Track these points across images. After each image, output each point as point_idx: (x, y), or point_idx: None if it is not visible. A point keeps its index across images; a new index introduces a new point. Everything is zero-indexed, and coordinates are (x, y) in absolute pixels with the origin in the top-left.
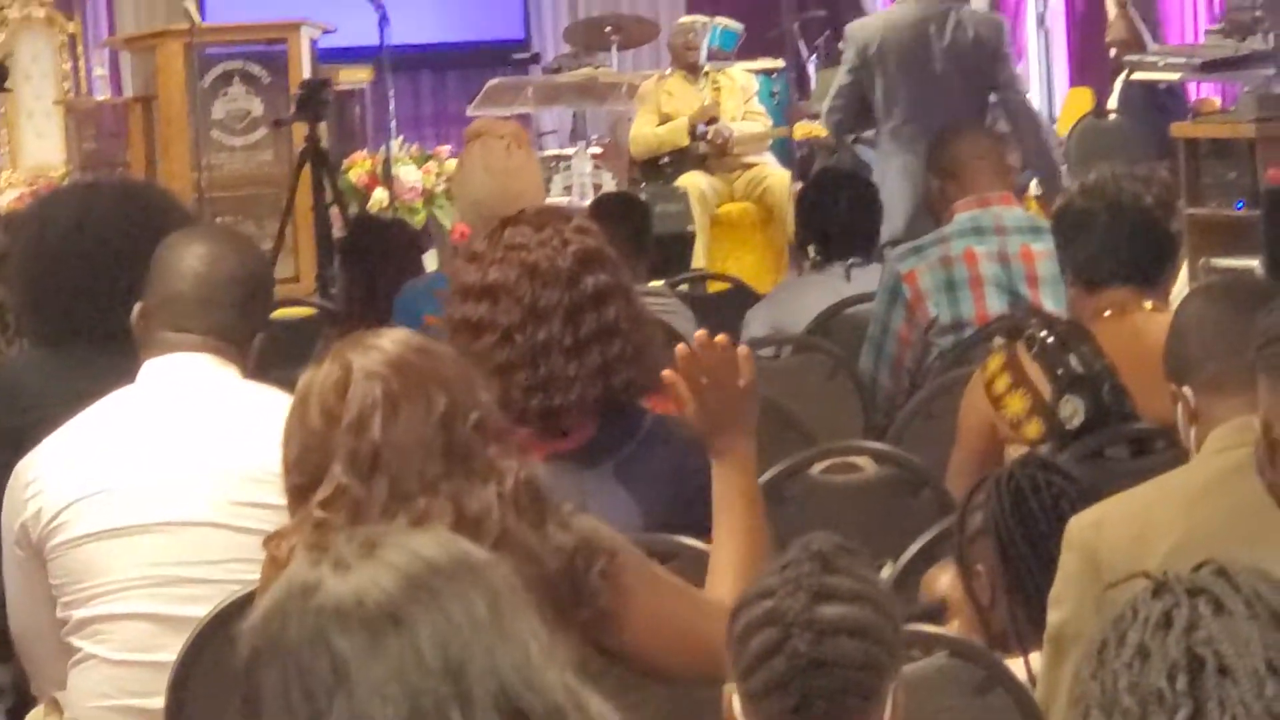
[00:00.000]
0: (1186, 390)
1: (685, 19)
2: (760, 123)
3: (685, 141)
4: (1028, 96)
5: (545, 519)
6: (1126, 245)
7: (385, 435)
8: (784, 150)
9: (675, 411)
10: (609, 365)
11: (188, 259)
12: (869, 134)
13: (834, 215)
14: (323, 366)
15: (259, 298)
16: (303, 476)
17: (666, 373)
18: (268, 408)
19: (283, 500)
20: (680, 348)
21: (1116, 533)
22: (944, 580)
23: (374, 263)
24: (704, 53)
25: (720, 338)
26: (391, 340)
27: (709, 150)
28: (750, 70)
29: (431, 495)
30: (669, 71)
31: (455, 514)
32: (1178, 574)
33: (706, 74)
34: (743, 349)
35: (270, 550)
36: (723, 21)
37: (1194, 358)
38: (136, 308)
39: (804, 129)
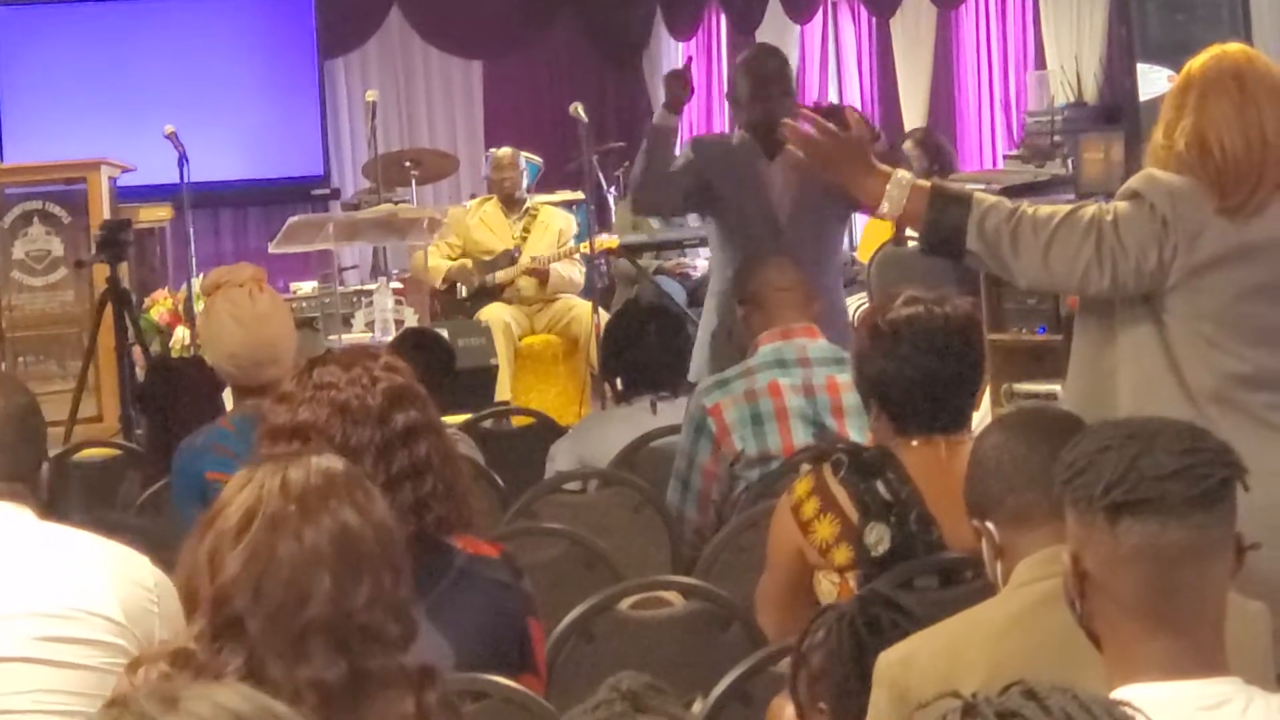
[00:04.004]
0: (990, 525)
1: (503, 150)
2: (577, 269)
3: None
4: None
5: None
6: (941, 392)
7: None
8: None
9: (486, 551)
10: (421, 502)
11: None
12: (670, 263)
13: (641, 348)
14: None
15: (31, 427)
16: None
17: None
18: (67, 547)
19: (95, 635)
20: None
21: (925, 668)
22: (789, 712)
23: (171, 407)
24: (524, 183)
25: None
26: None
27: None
28: (551, 203)
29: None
30: (482, 199)
31: None
32: (988, 695)
33: (527, 211)
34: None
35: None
36: (523, 154)
37: (995, 493)
38: None
39: (600, 242)
